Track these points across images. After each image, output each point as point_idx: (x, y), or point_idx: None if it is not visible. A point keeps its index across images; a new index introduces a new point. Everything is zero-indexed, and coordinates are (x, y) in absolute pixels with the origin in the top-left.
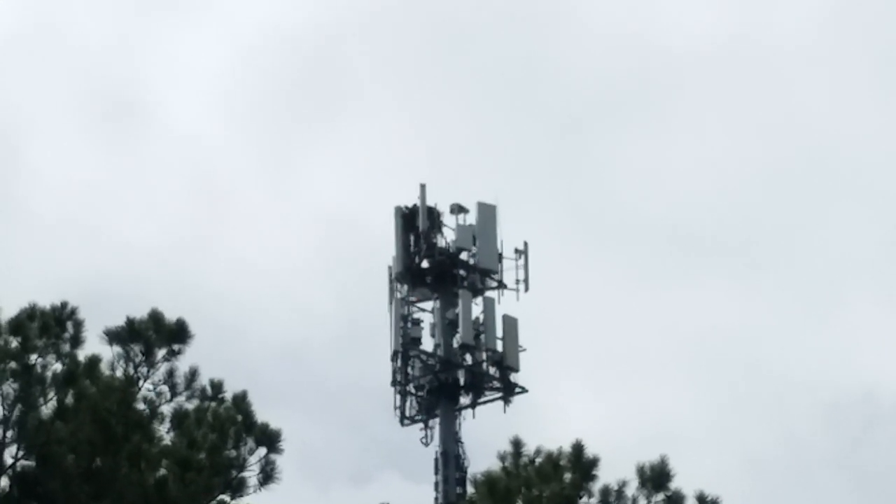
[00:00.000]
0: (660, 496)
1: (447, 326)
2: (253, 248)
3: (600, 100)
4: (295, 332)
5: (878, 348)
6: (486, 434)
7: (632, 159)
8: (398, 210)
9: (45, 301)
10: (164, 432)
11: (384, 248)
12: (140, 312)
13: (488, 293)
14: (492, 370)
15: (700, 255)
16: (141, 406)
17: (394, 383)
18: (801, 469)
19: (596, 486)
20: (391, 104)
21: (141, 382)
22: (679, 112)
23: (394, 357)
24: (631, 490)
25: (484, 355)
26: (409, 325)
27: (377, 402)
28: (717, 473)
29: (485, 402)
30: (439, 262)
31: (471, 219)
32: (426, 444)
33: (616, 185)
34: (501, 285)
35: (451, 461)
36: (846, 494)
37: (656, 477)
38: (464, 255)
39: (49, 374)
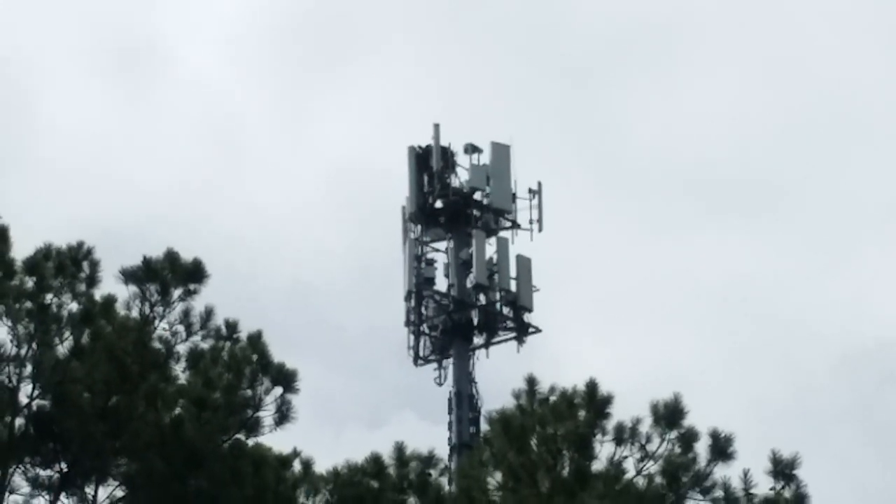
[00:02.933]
0: (673, 433)
1: (461, 266)
2: (266, 191)
3: (617, 43)
4: (308, 274)
5: (892, 296)
6: (500, 374)
7: (647, 104)
8: (412, 150)
9: (61, 243)
10: (180, 372)
11: (398, 189)
12: (154, 255)
13: (502, 233)
14: (505, 310)
15: (715, 202)
16: (157, 345)
17: (407, 324)
18: (812, 419)
19: (610, 424)
20: (404, 45)
21: (156, 322)
22: (695, 58)
23: (407, 297)
24: (645, 427)
25: (497, 295)
26: (423, 265)
27: (391, 342)
28: (728, 419)
29: (498, 342)
30: (453, 202)
31: (484, 158)
32: (440, 385)
33: (631, 129)
34: (515, 225)
35: (464, 401)
36: (857, 446)
37: (670, 414)
38: (477, 195)
39: (65, 313)
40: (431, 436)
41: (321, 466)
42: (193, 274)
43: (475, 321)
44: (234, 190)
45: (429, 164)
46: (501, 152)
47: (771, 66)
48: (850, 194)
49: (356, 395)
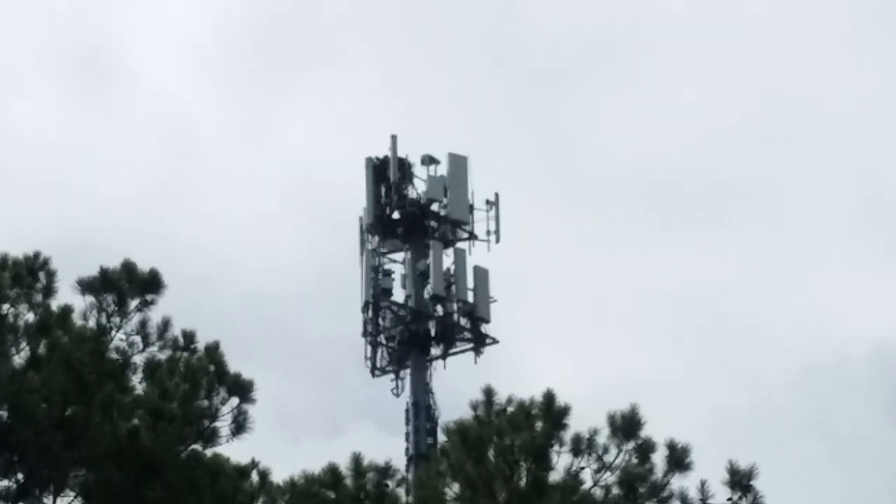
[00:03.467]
0: (630, 444)
1: (418, 277)
2: (224, 201)
3: (575, 53)
4: (266, 285)
5: (852, 308)
6: (457, 385)
7: (605, 114)
8: (369, 161)
9: (18, 253)
10: (137, 382)
11: (355, 200)
12: (112, 265)
13: (459, 244)
14: (463, 321)
15: (673, 212)
16: (113, 356)
17: (365, 334)
18: (771, 428)
19: (567, 435)
20: (362, 56)
21: (113, 332)
22: (653, 68)
23: (365, 308)
24: (602, 438)
25: (455, 306)
26: (380, 276)
27: (348, 353)
28: (686, 428)
29: (456, 353)
30: (410, 213)
31: (442, 170)
32: (397, 395)
33: (589, 140)
34: (472, 236)
35: (422, 412)
36: (816, 457)
37: (627, 425)
38: (435, 206)
39: (21, 323)
40: (389, 447)
41: (279, 477)
42: (150, 284)
43: (433, 332)
44: (192, 200)
45: (386, 175)
46: (459, 163)
47: (731, 74)
48: (812, 203)
49: (314, 406)
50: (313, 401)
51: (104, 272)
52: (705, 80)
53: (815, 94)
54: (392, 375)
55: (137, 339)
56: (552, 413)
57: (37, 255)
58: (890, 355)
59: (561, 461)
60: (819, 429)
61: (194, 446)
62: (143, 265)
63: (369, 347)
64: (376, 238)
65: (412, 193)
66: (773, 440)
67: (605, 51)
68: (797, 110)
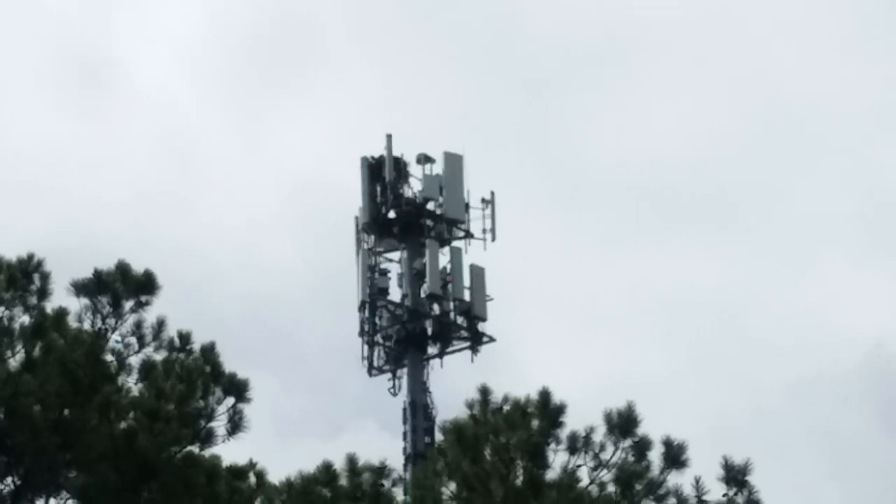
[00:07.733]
0: (627, 442)
1: (414, 276)
2: (220, 204)
3: (572, 55)
4: (262, 286)
5: (852, 310)
6: (455, 383)
7: (602, 115)
8: (364, 160)
9: (13, 256)
10: (132, 383)
11: (351, 199)
12: (108, 266)
13: (455, 243)
14: (459, 320)
15: (670, 212)
16: (109, 357)
17: (361, 334)
18: (766, 431)
19: (563, 433)
20: (357, 56)
21: (108, 334)
22: (652, 70)
23: (361, 307)
24: (598, 436)
25: (451, 305)
26: (377, 275)
27: (345, 353)
28: (681, 429)
29: (453, 352)
30: (406, 212)
31: (437, 168)
32: (394, 394)
33: (586, 140)
34: (468, 235)
35: (419, 411)
36: (812, 457)
37: (623, 423)
38: (430, 205)
39: (16, 326)
40: (391, 446)
41: (277, 477)
42: (145, 286)
43: (429, 331)
44: (190, 204)
45: (382, 174)
46: (454, 162)
47: (729, 77)
48: (810, 207)
49: (312, 406)
50: (311, 401)
51: (98, 274)
52: (704, 82)
53: (815, 97)
54: (389, 375)
55: (133, 340)
56: (548, 411)
57: (30, 257)
58: (887, 357)
59: (557, 459)
60: (815, 433)
61: (190, 447)
62: (139, 268)
63: (366, 347)
64: (372, 237)
65: (408, 192)
66: (768, 443)
67: (604, 52)
68: (796, 114)
